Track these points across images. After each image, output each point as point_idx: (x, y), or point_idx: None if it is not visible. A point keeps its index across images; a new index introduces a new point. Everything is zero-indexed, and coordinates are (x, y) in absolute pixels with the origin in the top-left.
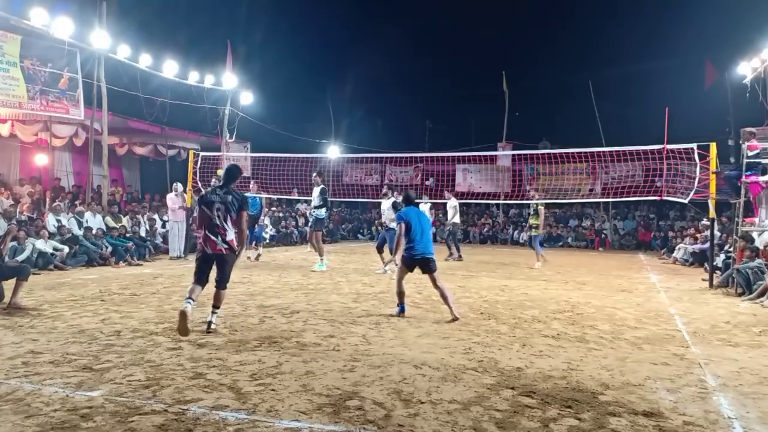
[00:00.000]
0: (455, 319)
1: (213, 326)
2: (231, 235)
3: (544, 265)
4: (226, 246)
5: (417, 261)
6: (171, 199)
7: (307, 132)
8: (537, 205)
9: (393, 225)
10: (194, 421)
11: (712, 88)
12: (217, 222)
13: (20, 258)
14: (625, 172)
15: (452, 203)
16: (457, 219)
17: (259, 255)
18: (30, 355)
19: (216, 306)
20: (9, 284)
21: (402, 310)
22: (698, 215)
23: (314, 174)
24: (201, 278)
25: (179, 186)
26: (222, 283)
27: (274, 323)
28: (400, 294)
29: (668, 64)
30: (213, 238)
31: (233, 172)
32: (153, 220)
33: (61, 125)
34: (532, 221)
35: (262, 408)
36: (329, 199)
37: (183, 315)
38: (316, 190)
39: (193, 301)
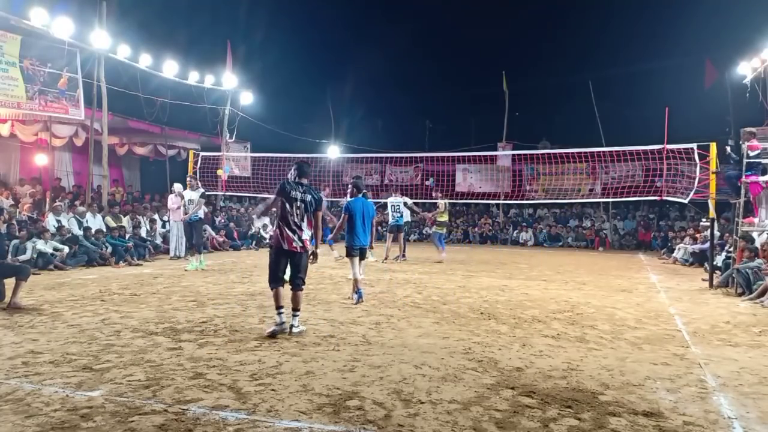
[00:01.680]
0: (350, 298)
1: (295, 329)
2: (305, 235)
3: (443, 261)
4: (300, 245)
5: (357, 249)
6: (171, 199)
7: (307, 132)
8: (444, 203)
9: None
10: (194, 421)
11: (712, 88)
12: (296, 220)
13: (22, 258)
14: (625, 172)
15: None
16: (407, 218)
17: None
18: (30, 355)
19: (296, 309)
20: (9, 284)
21: (360, 296)
22: (698, 215)
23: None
24: (280, 277)
25: (178, 186)
26: (299, 283)
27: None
28: (356, 281)
29: (668, 64)
30: (291, 235)
31: (305, 168)
32: (154, 220)
33: (61, 125)
34: (440, 218)
35: (262, 408)
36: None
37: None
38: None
39: (284, 309)
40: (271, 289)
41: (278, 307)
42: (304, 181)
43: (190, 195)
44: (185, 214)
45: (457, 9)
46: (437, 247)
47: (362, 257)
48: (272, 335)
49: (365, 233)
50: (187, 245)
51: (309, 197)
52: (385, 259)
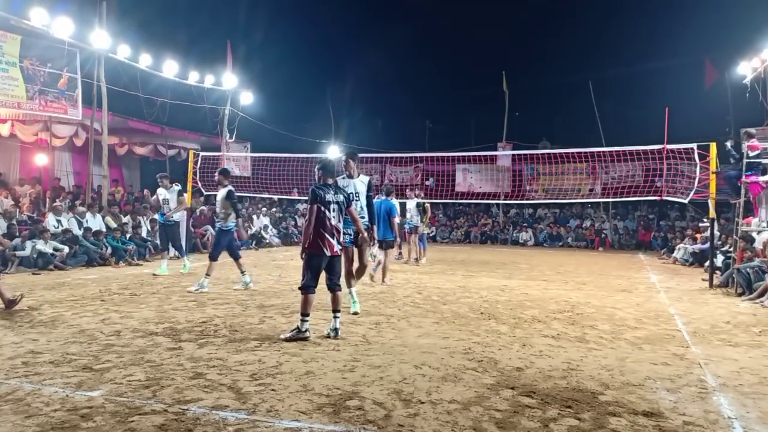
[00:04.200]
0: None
1: (339, 332)
2: (342, 236)
3: (426, 263)
4: (340, 247)
5: (380, 241)
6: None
7: (307, 132)
8: (423, 203)
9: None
10: (194, 421)
11: (712, 88)
12: (334, 223)
13: (20, 254)
14: (625, 172)
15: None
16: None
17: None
18: (30, 355)
19: (338, 310)
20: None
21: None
22: (697, 215)
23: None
24: (315, 284)
25: (177, 187)
26: (338, 284)
27: (274, 323)
28: (381, 264)
29: (668, 64)
30: (331, 240)
31: (330, 168)
32: (154, 220)
33: (62, 125)
34: (418, 219)
35: (262, 408)
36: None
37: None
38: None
39: (309, 318)
40: (305, 294)
41: (306, 314)
42: (330, 180)
43: (164, 194)
44: (166, 214)
45: (457, 9)
46: (422, 248)
47: (389, 247)
48: (288, 341)
49: (382, 228)
50: (162, 247)
51: (341, 197)
52: (400, 257)
